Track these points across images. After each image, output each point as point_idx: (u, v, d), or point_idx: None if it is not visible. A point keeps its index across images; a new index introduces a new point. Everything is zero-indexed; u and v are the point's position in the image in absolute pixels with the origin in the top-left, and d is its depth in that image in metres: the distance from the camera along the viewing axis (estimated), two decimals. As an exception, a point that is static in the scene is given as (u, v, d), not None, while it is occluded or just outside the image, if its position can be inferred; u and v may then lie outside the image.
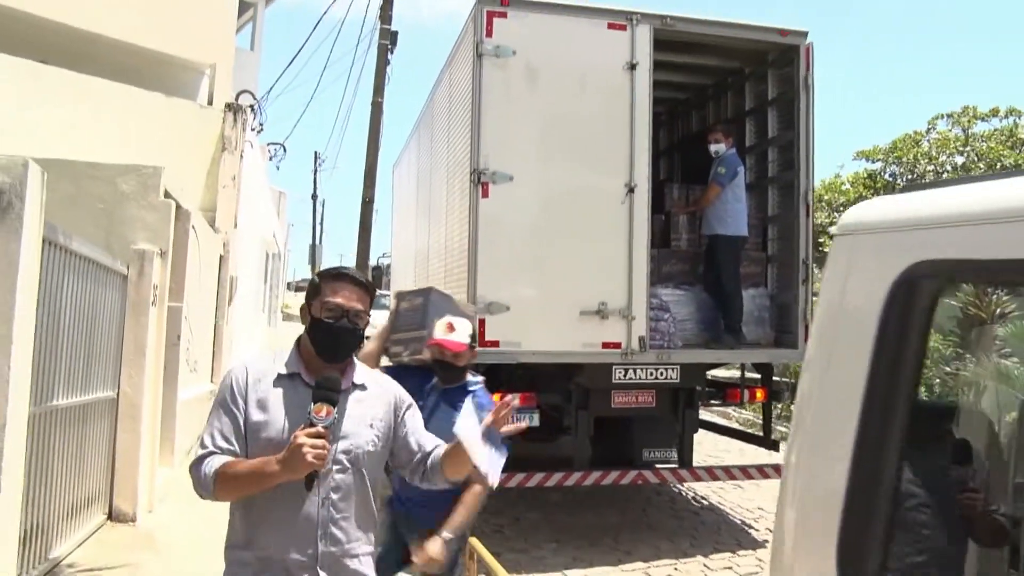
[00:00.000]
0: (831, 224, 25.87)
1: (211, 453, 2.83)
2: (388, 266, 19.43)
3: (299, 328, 3.15)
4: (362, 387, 3.04)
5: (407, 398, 3.20)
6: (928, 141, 26.95)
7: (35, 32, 13.38)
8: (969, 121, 26.09)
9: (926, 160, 26.70)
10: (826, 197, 27.67)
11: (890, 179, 27.11)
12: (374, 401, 3.05)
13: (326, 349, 2.95)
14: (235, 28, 17.19)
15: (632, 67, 7.88)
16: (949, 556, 2.06)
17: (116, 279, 7.23)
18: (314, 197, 46.44)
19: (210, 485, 2.78)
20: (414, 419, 3.17)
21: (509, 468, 7.97)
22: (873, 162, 27.45)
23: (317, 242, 44.84)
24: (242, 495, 2.84)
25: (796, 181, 8.53)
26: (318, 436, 2.68)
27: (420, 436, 3.14)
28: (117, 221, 7.88)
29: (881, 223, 2.07)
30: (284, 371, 2.96)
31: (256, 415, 2.87)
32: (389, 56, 14.13)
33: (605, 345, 7.81)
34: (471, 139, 7.64)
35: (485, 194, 7.59)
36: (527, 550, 7.93)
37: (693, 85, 10.57)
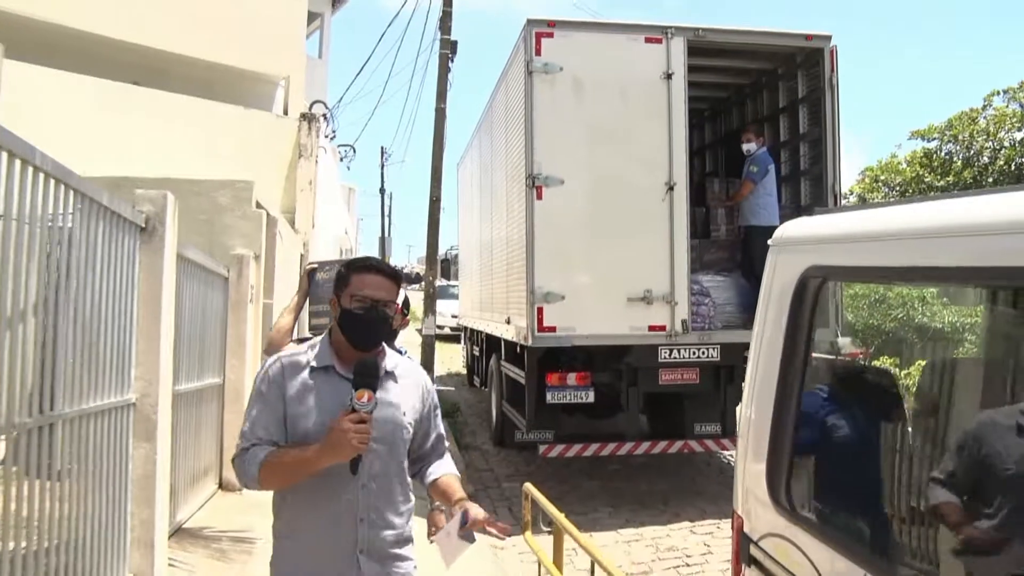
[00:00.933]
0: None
1: (253, 445, 2.87)
2: (456, 257, 20.43)
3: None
4: (393, 375, 3.06)
5: (431, 387, 3.25)
6: (985, 118, 27.04)
7: (127, 56, 14.59)
8: (1027, 96, 26.14)
9: (984, 137, 26.83)
10: (882, 177, 28.01)
11: (946, 157, 27.30)
12: (407, 388, 3.08)
13: (358, 339, 2.97)
14: (305, 40, 18.31)
15: (668, 76, 8.73)
16: (832, 459, 2.95)
17: (219, 281, 8.32)
18: (382, 191, 47.71)
19: (255, 475, 2.82)
20: (435, 410, 3.22)
21: (568, 441, 9.01)
22: (929, 141, 27.69)
23: (385, 234, 46.26)
24: (287, 483, 2.89)
25: (824, 174, 9.31)
26: (361, 421, 2.71)
27: (434, 429, 3.21)
28: (217, 230, 8.99)
29: (792, 239, 2.99)
30: (317, 364, 2.98)
31: (293, 407, 2.90)
32: (450, 64, 15.14)
33: (651, 328, 8.71)
34: (525, 147, 8.59)
35: (539, 196, 8.54)
36: (585, 513, 8.86)
37: (731, 84, 11.36)
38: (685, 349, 8.84)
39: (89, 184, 4.06)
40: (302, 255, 14.40)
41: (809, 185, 9.90)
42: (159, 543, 5.30)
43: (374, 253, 42.81)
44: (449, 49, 14.99)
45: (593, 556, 4.49)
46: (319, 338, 3.13)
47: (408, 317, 4.14)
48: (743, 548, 3.09)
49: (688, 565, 7.64)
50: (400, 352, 3.96)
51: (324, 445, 2.73)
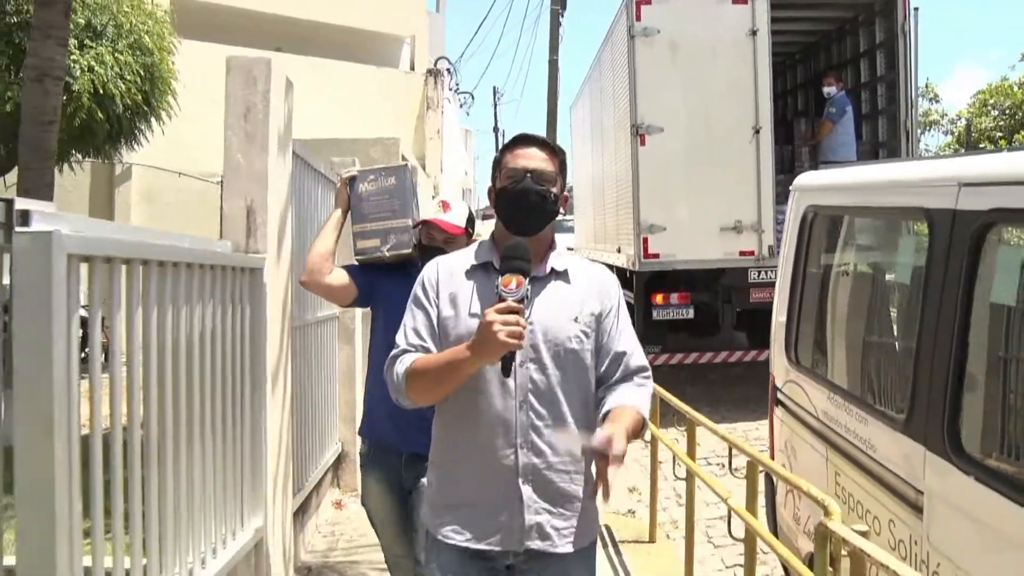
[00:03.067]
0: (995, 128, 26.49)
1: (404, 352, 2.59)
2: (571, 190, 21.89)
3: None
4: (563, 274, 2.66)
5: (616, 292, 2.74)
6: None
7: (269, 25, 16.44)
8: None
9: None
10: (992, 101, 28.03)
11: (1058, 78, 27.06)
12: (579, 290, 2.65)
13: (514, 219, 2.64)
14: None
15: (754, 33, 9.99)
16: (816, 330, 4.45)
17: (377, 224, 10.09)
18: (495, 130, 49.22)
19: (402, 385, 2.55)
20: (617, 321, 2.69)
21: (673, 351, 10.55)
22: (1040, 62, 27.51)
23: (500, 173, 47.78)
24: (436, 393, 2.58)
25: (898, 113, 10.47)
26: (510, 311, 2.34)
27: (614, 344, 2.67)
28: (371, 181, 10.74)
29: (800, 186, 4.46)
30: (476, 261, 2.67)
31: (447, 310, 2.61)
32: (560, 19, 16.53)
33: (742, 253, 10.12)
34: (629, 100, 10.03)
35: (643, 143, 9.98)
36: (688, 412, 10.38)
37: (817, 31, 12.48)
38: (772, 271, 10.19)
39: (315, 159, 5.74)
40: (433, 197, 16.16)
41: (886, 123, 11.05)
42: (358, 419, 7.10)
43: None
44: (559, 5, 16.36)
45: (729, 441, 4.39)
46: (480, 241, 2.82)
47: (473, 236, 3.69)
48: (774, 395, 4.62)
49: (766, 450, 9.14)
50: None
51: (472, 342, 2.40)
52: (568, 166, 2.82)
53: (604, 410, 2.51)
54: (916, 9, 10.32)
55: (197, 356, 3.14)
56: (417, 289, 2.68)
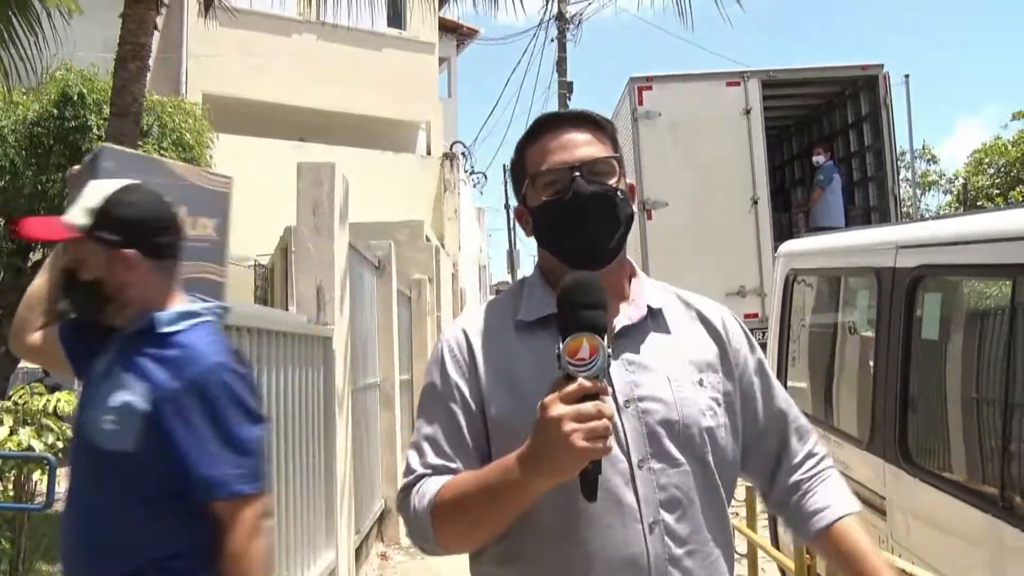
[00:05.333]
0: (992, 187, 27.22)
1: (419, 478, 1.66)
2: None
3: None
4: (661, 316, 1.76)
5: (743, 330, 1.90)
6: (1088, 94, 27.49)
7: (294, 115, 17.43)
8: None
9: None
10: (987, 160, 28.85)
11: (1050, 134, 27.86)
12: (692, 336, 1.78)
13: (571, 246, 1.70)
14: (437, 86, 20.98)
15: (747, 112, 10.84)
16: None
17: (405, 300, 10.85)
18: (507, 207, 50.18)
19: (426, 526, 1.61)
20: (761, 366, 1.86)
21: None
22: (1032, 121, 28.38)
23: (513, 247, 48.80)
24: (479, 536, 1.63)
25: (885, 179, 11.26)
26: (585, 396, 1.42)
27: (773, 401, 1.83)
28: (398, 260, 11.53)
29: (785, 252, 5.20)
30: (527, 317, 1.72)
31: (493, 399, 1.67)
32: (568, 102, 17.51)
33: (747, 316, 10.81)
34: (635, 178, 10.84)
35: (649, 217, 10.78)
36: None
37: (810, 105, 13.35)
38: (776, 331, 10.93)
39: (362, 245, 6.52)
40: (453, 274, 16.98)
41: (875, 188, 11.82)
42: (398, 478, 7.76)
43: (502, 266, 45.16)
44: (566, 89, 17.36)
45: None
46: (523, 281, 1.84)
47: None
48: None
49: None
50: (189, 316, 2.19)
51: (525, 451, 1.49)
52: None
53: (823, 522, 1.73)
54: (907, 76, 11.22)
55: (283, 408, 3.87)
56: (434, 375, 1.74)
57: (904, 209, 11.31)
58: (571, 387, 1.42)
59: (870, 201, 11.96)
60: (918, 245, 3.43)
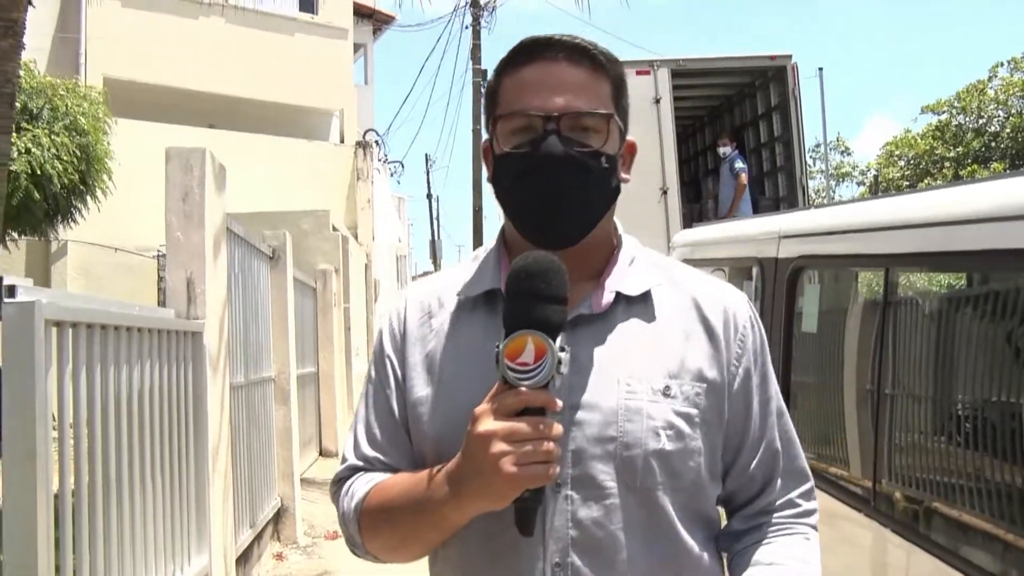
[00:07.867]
0: (902, 178, 27.83)
1: (352, 471, 1.48)
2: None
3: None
4: (642, 302, 1.42)
5: (753, 328, 1.47)
6: (993, 88, 28.28)
7: (202, 102, 16.96)
8: (1030, 65, 27.24)
9: (994, 105, 28.10)
10: (897, 152, 29.51)
11: (957, 128, 28.64)
12: (675, 331, 1.41)
13: (528, 218, 1.40)
14: (352, 73, 20.61)
15: (657, 101, 10.78)
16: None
17: (310, 291, 10.57)
18: (429, 196, 49.95)
19: (354, 532, 1.44)
20: (763, 387, 1.46)
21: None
22: (939, 114, 29.11)
23: (435, 237, 48.58)
24: (412, 550, 1.40)
25: (794, 170, 11.31)
26: (525, 410, 1.19)
27: (761, 432, 1.45)
28: (302, 250, 11.23)
29: (677, 242, 5.09)
30: (467, 292, 1.45)
31: (411, 383, 1.44)
32: (482, 90, 17.29)
33: (657, 305, 10.79)
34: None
35: (558, 206, 10.65)
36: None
37: (721, 96, 13.37)
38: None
39: (250, 234, 6.25)
40: (366, 265, 16.69)
41: (784, 179, 11.88)
42: (295, 476, 7.53)
43: (425, 256, 44.86)
44: (481, 77, 17.14)
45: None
46: (485, 247, 1.55)
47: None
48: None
49: None
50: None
51: (454, 467, 1.27)
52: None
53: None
54: (820, 69, 11.28)
55: (147, 408, 3.63)
56: (375, 358, 1.52)
57: (820, 200, 11.37)
58: (508, 398, 1.18)
59: (779, 191, 12.02)
60: (799, 235, 3.33)
